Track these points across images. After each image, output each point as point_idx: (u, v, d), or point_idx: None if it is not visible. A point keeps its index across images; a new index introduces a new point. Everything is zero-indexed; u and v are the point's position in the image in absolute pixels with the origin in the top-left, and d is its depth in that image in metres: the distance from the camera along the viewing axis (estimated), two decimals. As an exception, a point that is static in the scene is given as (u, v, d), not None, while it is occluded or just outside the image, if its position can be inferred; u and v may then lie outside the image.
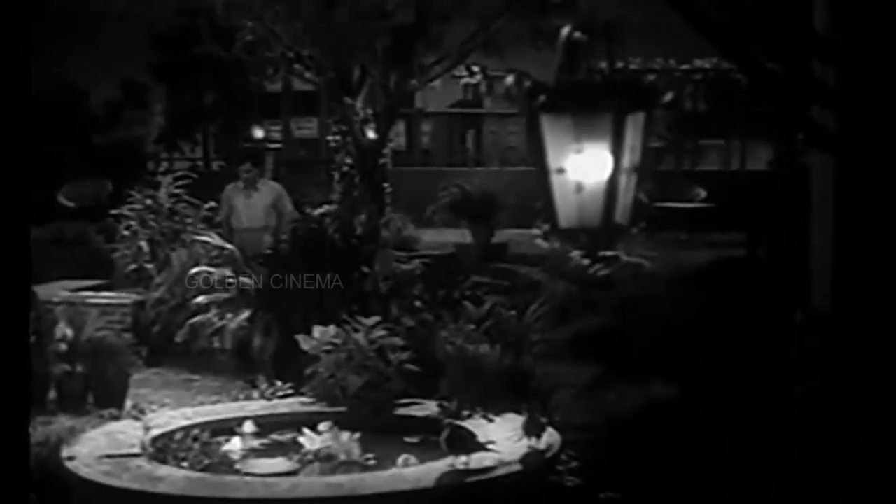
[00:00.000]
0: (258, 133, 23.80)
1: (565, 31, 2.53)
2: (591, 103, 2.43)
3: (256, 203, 11.47)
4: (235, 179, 11.55)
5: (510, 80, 2.52)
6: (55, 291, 10.90)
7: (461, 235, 15.63)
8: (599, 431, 7.02)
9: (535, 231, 13.87)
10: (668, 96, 2.45)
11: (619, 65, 2.51)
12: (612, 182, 2.46)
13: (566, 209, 2.53)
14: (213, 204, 12.14)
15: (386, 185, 11.38)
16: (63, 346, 8.33)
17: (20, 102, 3.28)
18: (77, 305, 10.26)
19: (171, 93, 24.15)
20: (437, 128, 25.82)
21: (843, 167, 5.08)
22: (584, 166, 2.49)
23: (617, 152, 2.45)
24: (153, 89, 23.74)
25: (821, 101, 3.79)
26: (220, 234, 11.20)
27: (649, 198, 14.43)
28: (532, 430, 6.61)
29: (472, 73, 15.69)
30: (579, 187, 2.49)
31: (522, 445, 6.62)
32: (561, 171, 2.51)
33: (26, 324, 3.61)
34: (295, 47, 11.00)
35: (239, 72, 16.76)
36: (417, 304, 9.50)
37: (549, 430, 6.82)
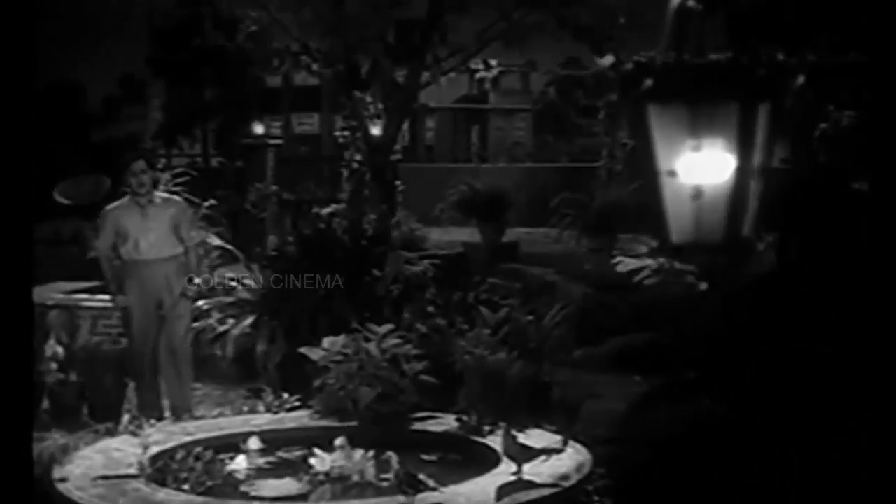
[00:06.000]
0: (258, 129, 23.36)
1: None
2: (712, 89, 1.94)
3: (157, 223, 8.37)
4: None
5: (608, 59, 2.04)
6: (49, 294, 10.44)
7: (469, 234, 15.22)
8: (632, 447, 6.57)
9: (550, 231, 13.53)
10: (800, 80, 1.97)
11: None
12: (739, 186, 1.97)
13: (680, 221, 2.02)
14: (212, 202, 11.69)
15: (398, 183, 10.90)
16: (54, 366, 7.87)
17: (24, 101, 3.18)
18: (71, 309, 9.82)
19: (170, 88, 23.75)
20: (441, 124, 25.41)
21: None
22: (703, 167, 2.00)
23: (746, 150, 1.96)
24: (152, 84, 23.34)
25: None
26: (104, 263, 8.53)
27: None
28: (511, 453, 6.03)
29: (488, 67, 15.24)
30: (697, 193, 1.99)
31: (549, 465, 6.17)
32: (672, 173, 2.02)
33: (28, 332, 3.51)
34: (302, 38, 10.51)
35: (241, 65, 16.30)
36: (430, 308, 9.05)
37: (578, 446, 6.36)
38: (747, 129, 1.96)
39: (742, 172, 1.99)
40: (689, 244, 2.06)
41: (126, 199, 8.48)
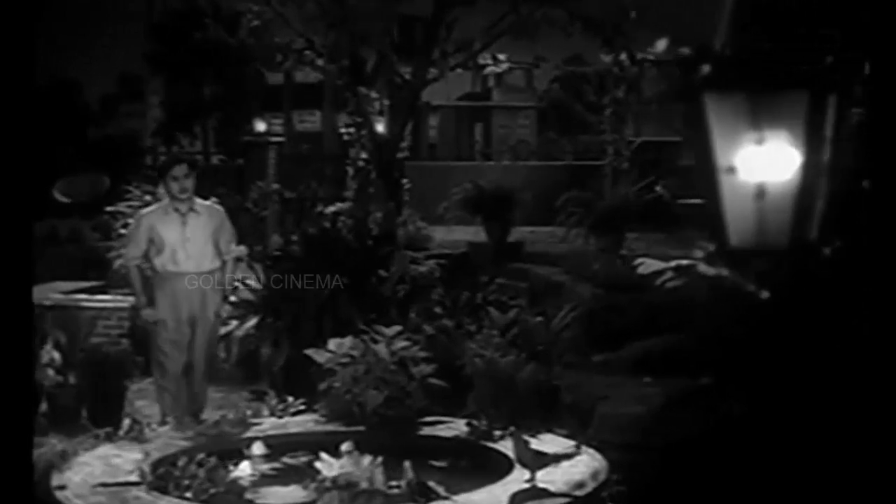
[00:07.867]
0: (259, 126, 23.14)
1: None
2: (777, 77, 1.75)
3: (198, 233, 7.86)
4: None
5: (662, 44, 1.85)
6: (47, 293, 10.26)
7: (473, 233, 15.02)
8: (648, 453, 6.39)
9: (556, 230, 13.31)
10: (867, 69, 1.77)
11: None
12: (808, 185, 1.77)
13: (740, 222, 1.82)
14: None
15: (405, 181, 10.67)
16: (51, 372, 7.69)
17: (23, 100, 3.18)
18: (70, 309, 9.64)
19: (169, 85, 23.53)
20: (444, 121, 25.23)
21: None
22: (766, 163, 1.81)
23: (813, 144, 1.77)
24: (151, 81, 23.13)
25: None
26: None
27: (672, 195, 13.81)
28: (524, 459, 5.82)
29: (496, 62, 14.99)
30: (760, 192, 1.80)
31: (563, 472, 5.98)
32: (732, 170, 1.82)
33: (28, 333, 3.56)
34: (306, 33, 10.29)
35: (242, 61, 16.08)
36: (437, 309, 8.86)
37: (592, 452, 6.18)
38: (815, 120, 1.77)
39: (809, 169, 1.80)
40: (749, 249, 1.86)
41: (164, 203, 8.00)
